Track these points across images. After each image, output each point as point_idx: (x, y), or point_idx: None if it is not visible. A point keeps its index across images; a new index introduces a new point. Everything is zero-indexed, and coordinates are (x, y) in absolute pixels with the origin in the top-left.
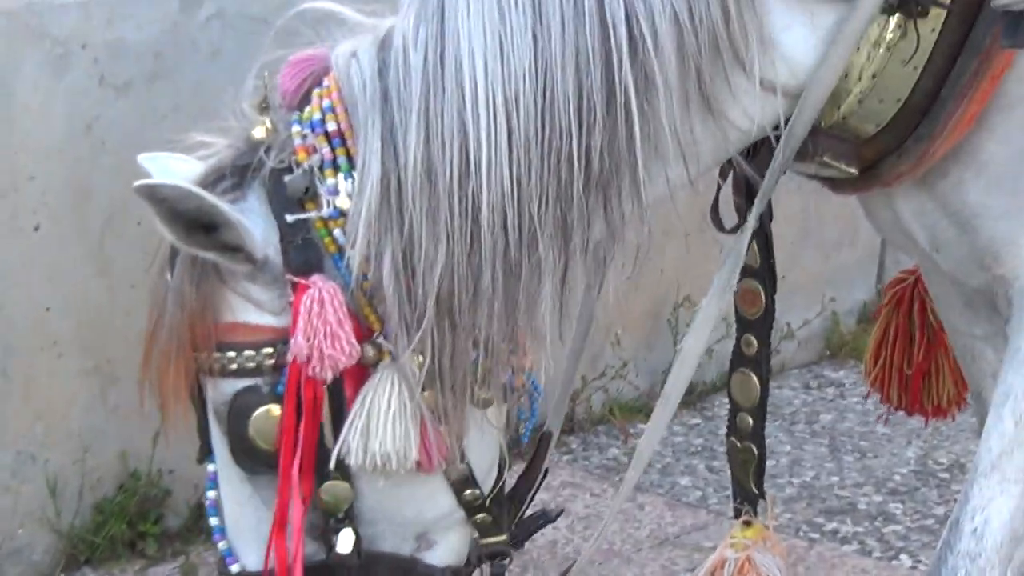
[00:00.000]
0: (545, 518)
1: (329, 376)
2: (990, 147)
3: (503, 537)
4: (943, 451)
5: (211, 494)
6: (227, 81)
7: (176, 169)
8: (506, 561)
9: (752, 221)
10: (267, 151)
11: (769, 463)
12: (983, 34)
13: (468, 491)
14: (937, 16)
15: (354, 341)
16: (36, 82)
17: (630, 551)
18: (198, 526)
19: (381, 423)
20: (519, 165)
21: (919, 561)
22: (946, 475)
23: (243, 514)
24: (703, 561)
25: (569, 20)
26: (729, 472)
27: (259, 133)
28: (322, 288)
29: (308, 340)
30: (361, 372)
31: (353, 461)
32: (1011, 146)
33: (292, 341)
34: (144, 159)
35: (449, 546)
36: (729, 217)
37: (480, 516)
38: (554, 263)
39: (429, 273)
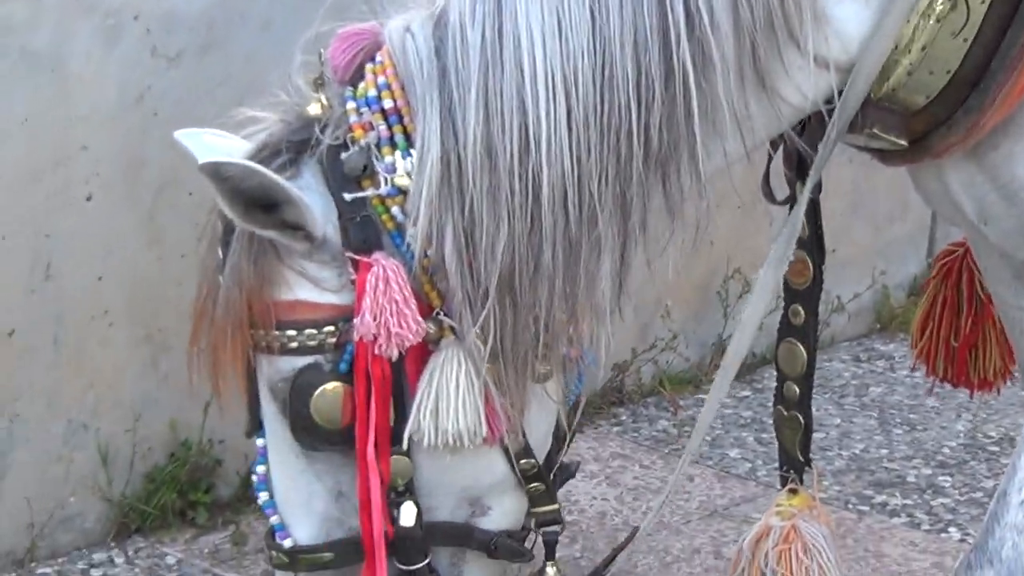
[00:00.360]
0: (566, 473)
1: (395, 354)
2: None
3: (555, 506)
4: (992, 424)
5: (260, 469)
6: (277, 53)
7: (216, 145)
8: (558, 527)
9: (807, 194)
10: (322, 128)
11: (818, 435)
12: None
13: (524, 460)
14: None
15: (420, 319)
16: (89, 53)
17: (679, 523)
18: (248, 496)
19: (452, 402)
20: (579, 143)
21: (968, 534)
22: (995, 448)
23: (295, 488)
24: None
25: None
26: (776, 443)
27: (314, 109)
28: (386, 266)
29: (375, 318)
30: (421, 349)
31: (426, 441)
32: None
33: (358, 319)
34: (182, 135)
35: (504, 511)
36: (780, 189)
37: (534, 485)
38: (614, 240)
39: (491, 251)
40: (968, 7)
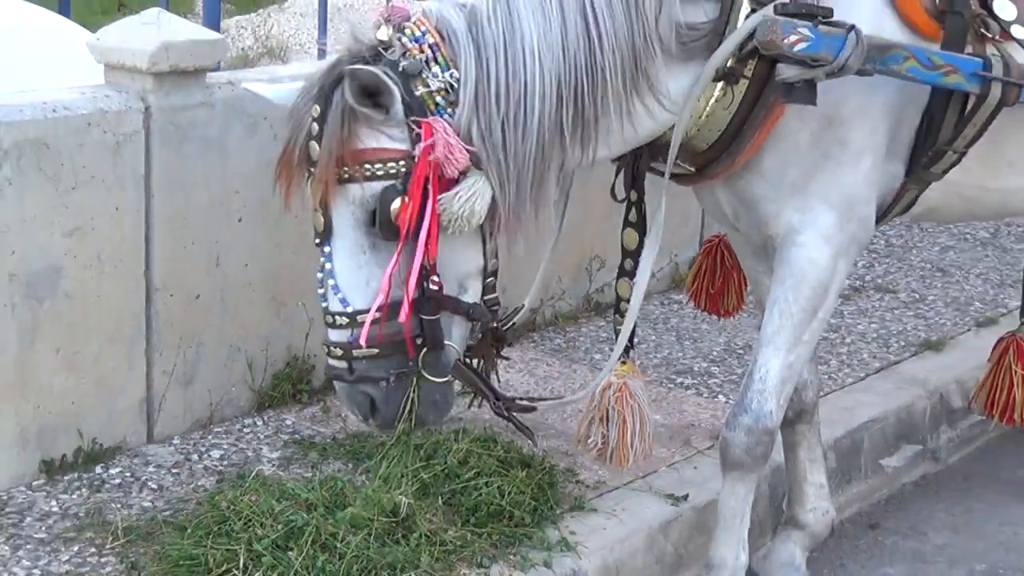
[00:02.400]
0: (526, 408)
1: (453, 173)
2: (766, 161)
3: (496, 295)
4: (739, 338)
5: (328, 266)
6: None
7: (270, 87)
8: (499, 305)
9: (664, 199)
10: (386, 48)
11: (641, 346)
12: (770, 94)
13: (493, 260)
14: (744, 83)
15: (465, 153)
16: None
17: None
18: (330, 385)
19: (475, 201)
20: (549, 94)
21: (728, 399)
22: (741, 351)
23: (358, 272)
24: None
25: (578, 16)
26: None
27: (382, 34)
28: (441, 121)
29: (440, 150)
30: (451, 181)
31: (455, 224)
32: (777, 161)
33: (429, 152)
34: (249, 85)
35: (475, 291)
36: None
37: (489, 279)
38: (557, 155)
39: (496, 130)
40: (734, 93)
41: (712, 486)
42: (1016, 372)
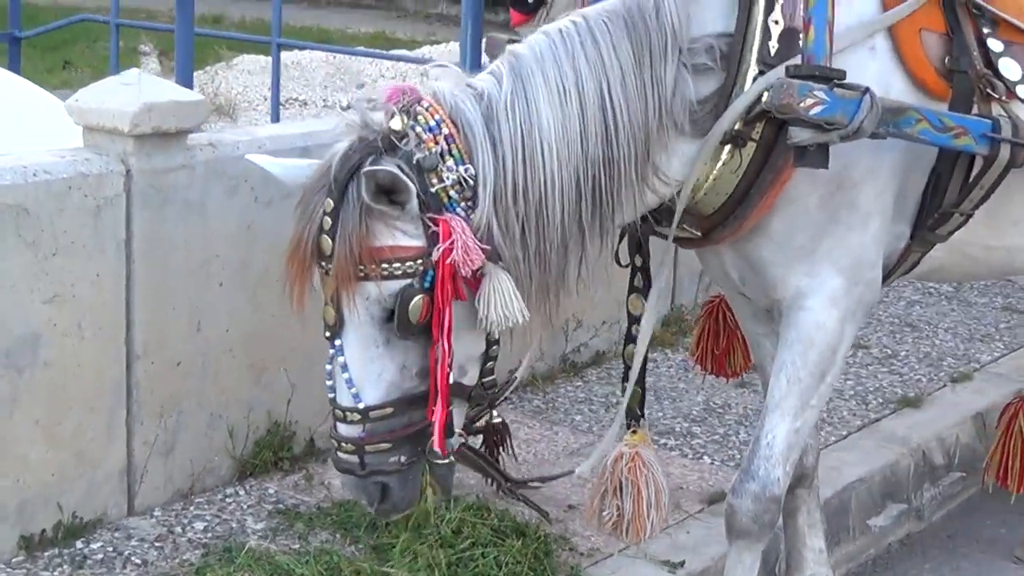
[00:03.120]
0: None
1: (468, 273)
2: (774, 225)
3: (494, 376)
4: (716, 396)
5: (340, 359)
6: None
7: (287, 164)
8: (496, 387)
9: (669, 260)
10: (400, 139)
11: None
12: (778, 157)
13: (493, 346)
14: (752, 146)
15: (481, 254)
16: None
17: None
18: (313, 450)
19: (505, 299)
20: (568, 191)
21: (713, 460)
22: (720, 411)
23: (371, 366)
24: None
25: (596, 109)
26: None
27: (396, 124)
28: (459, 223)
29: (458, 251)
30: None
31: (484, 324)
32: (786, 224)
33: (449, 254)
34: (256, 159)
35: (473, 375)
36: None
37: (490, 363)
38: (577, 250)
39: (527, 228)
40: (741, 157)
41: (706, 551)
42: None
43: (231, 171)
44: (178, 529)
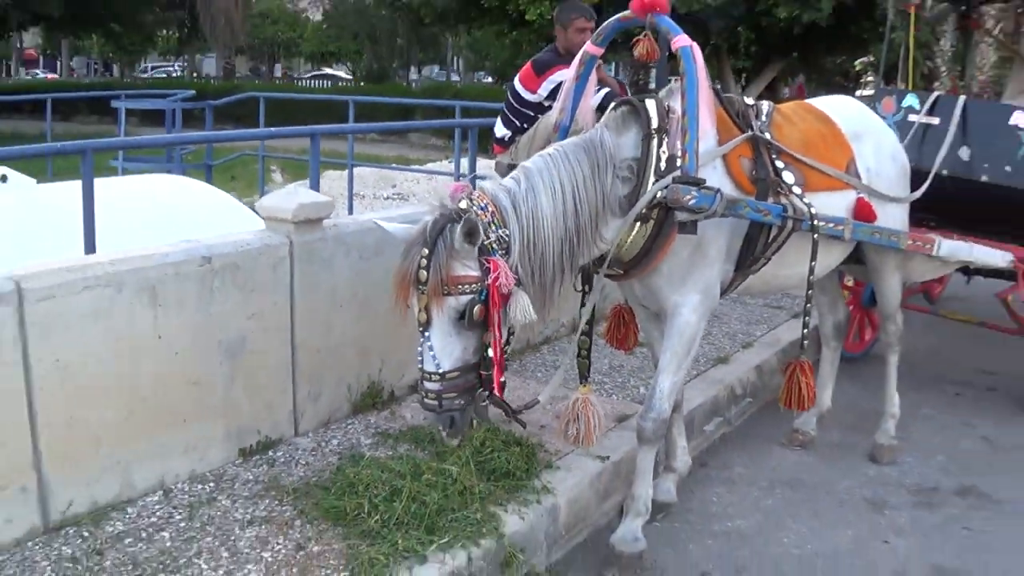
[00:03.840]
0: (526, 408)
1: (505, 291)
2: (664, 267)
3: (511, 346)
4: (616, 360)
5: (428, 344)
6: None
7: (389, 225)
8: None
9: (599, 287)
10: (464, 212)
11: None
12: (667, 228)
13: (511, 334)
14: (652, 222)
15: (513, 280)
16: None
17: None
18: (393, 398)
19: (524, 307)
20: (555, 245)
21: (619, 397)
22: (620, 368)
23: (448, 346)
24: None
25: (572, 200)
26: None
27: (463, 204)
28: (502, 263)
29: (503, 278)
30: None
31: (510, 321)
32: (670, 267)
33: (498, 280)
34: (380, 222)
35: (487, 362)
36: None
37: (511, 338)
38: (559, 279)
39: (534, 266)
40: (646, 228)
41: (620, 449)
42: (801, 381)
43: (347, 241)
44: (323, 444)
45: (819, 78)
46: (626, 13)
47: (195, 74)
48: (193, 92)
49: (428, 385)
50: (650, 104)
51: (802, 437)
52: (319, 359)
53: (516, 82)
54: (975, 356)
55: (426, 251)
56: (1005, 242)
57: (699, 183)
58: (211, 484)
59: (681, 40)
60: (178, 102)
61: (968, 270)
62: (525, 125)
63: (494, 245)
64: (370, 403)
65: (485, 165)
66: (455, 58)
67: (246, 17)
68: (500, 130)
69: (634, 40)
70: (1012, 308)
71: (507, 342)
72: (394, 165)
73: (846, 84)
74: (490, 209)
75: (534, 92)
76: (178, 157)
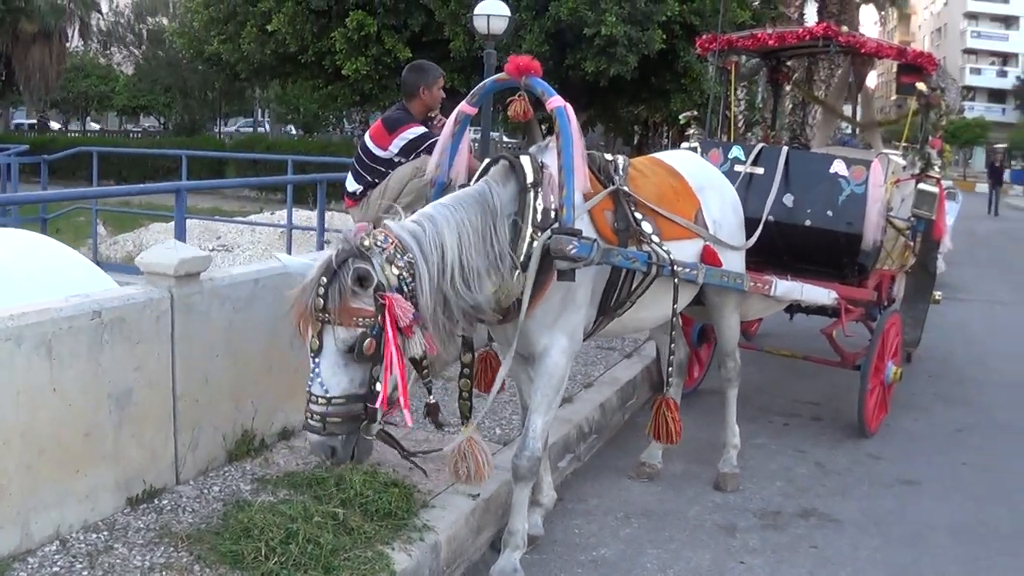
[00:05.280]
0: (422, 455)
1: (403, 324)
2: (537, 313)
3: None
4: (507, 407)
5: (317, 370)
6: None
7: (294, 260)
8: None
9: (520, 320)
10: (367, 249)
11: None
12: (545, 275)
13: (425, 370)
14: (531, 273)
15: (411, 315)
16: None
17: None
18: (265, 446)
19: (420, 341)
20: (459, 282)
21: (493, 434)
22: (510, 407)
23: (337, 374)
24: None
25: (479, 238)
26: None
27: (366, 241)
28: (398, 298)
29: (398, 311)
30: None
31: (409, 355)
32: (543, 312)
33: (395, 314)
34: (279, 255)
35: (379, 386)
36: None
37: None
38: (456, 317)
39: (433, 305)
40: (525, 278)
41: (491, 487)
42: (668, 416)
43: (222, 293)
44: (205, 491)
45: (616, 127)
46: (501, 75)
47: (9, 126)
48: (27, 147)
49: (313, 407)
50: (524, 160)
51: (649, 469)
52: (197, 408)
53: (367, 139)
54: (797, 389)
55: (325, 280)
56: (828, 281)
57: (576, 234)
58: (105, 533)
59: (555, 101)
60: (13, 157)
61: (791, 308)
62: (376, 180)
63: (395, 280)
64: (244, 450)
65: (338, 219)
66: (263, 111)
67: (61, 71)
68: (352, 185)
69: (508, 100)
70: (835, 342)
71: (426, 376)
72: (217, 216)
73: (644, 133)
74: (391, 241)
75: (385, 148)
76: (14, 211)
